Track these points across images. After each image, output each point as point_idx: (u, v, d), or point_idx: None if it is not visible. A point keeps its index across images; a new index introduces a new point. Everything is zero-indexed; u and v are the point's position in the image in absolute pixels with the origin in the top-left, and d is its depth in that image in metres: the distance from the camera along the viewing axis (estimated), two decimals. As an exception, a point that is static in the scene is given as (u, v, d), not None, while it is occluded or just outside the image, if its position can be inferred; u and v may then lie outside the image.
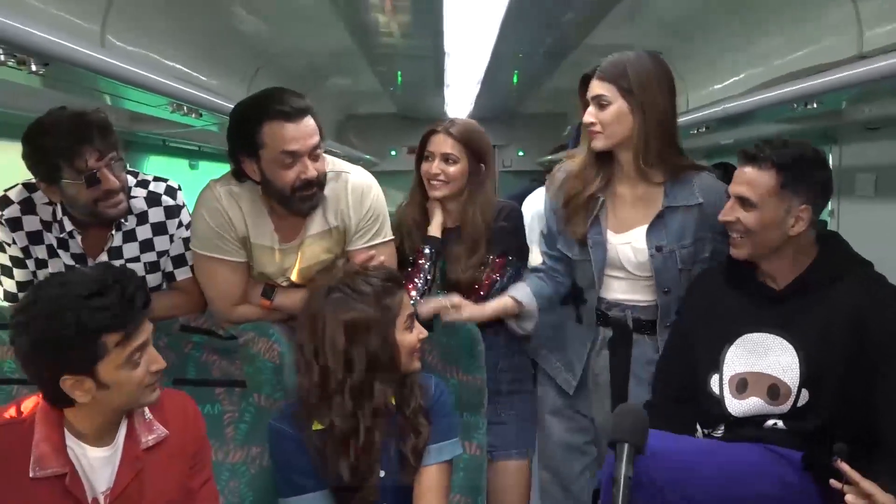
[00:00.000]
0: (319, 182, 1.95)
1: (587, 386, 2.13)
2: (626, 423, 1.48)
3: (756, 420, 1.75)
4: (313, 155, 1.92)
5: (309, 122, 1.90)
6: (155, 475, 1.51)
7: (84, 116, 1.87)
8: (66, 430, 1.44)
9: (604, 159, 2.02)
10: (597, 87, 1.95)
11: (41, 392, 1.44)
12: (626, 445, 1.43)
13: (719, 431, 1.79)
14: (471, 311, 2.02)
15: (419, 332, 1.79)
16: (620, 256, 2.03)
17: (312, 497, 1.75)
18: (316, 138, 1.92)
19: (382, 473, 1.76)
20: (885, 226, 2.73)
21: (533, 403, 2.27)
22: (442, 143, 2.15)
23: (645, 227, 2.01)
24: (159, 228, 2.06)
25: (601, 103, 1.94)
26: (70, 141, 1.82)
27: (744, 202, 1.75)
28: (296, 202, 1.95)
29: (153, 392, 1.49)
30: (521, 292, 2.10)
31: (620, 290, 2.06)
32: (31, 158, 1.87)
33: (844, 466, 1.50)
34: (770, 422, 1.74)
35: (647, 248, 1.99)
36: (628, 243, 2.02)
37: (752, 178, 1.74)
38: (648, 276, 2.02)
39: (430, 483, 1.76)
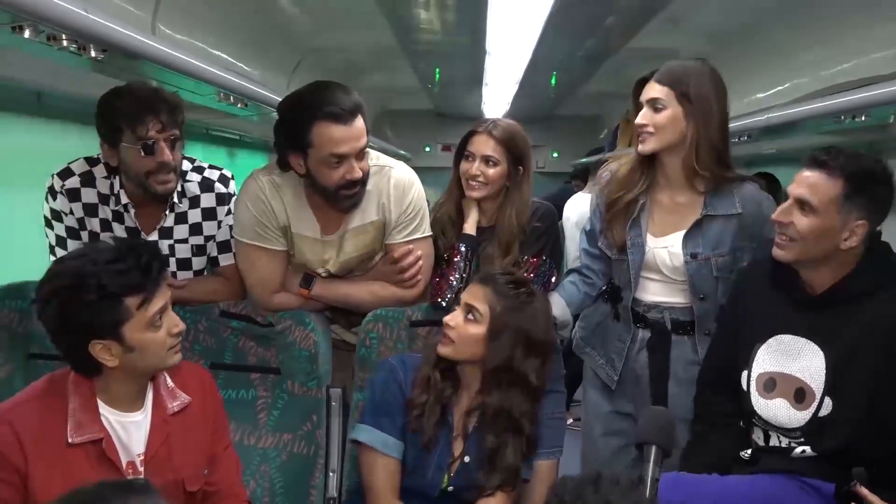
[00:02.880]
0: (363, 180, 1.97)
1: (629, 385, 2.15)
2: (652, 425, 1.48)
3: (782, 450, 1.74)
4: (360, 155, 1.94)
5: (359, 123, 1.91)
6: (182, 439, 1.58)
7: (158, 91, 1.96)
8: (98, 399, 1.51)
9: (647, 165, 2.04)
10: (653, 91, 1.96)
11: (70, 363, 1.50)
12: (653, 447, 1.44)
13: (755, 432, 1.78)
14: None
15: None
16: (657, 259, 2.04)
17: (384, 437, 1.82)
18: (364, 139, 1.93)
19: (467, 459, 1.83)
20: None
21: (562, 403, 2.29)
22: (483, 145, 2.15)
23: (682, 233, 2.02)
24: (209, 214, 2.11)
25: (656, 107, 1.95)
26: (138, 107, 1.90)
27: (803, 205, 1.70)
28: (340, 199, 1.98)
29: (175, 354, 1.55)
30: (555, 306, 2.14)
31: (657, 292, 2.07)
32: (99, 118, 1.95)
33: (863, 491, 1.49)
34: (798, 450, 1.73)
35: (683, 255, 2.00)
36: (665, 248, 2.04)
37: (816, 183, 1.69)
38: (684, 280, 2.03)
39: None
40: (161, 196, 2.02)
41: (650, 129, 1.96)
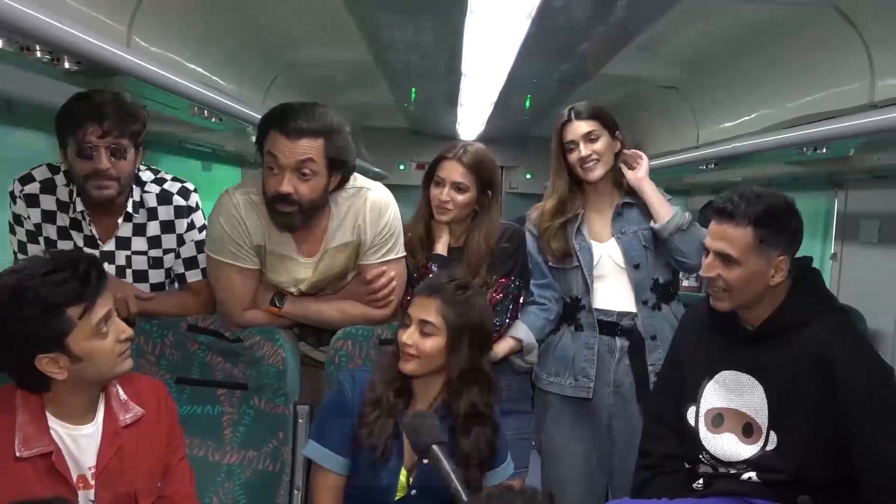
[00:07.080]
0: (300, 204, 1.94)
1: (600, 405, 2.26)
2: (423, 432, 1.54)
3: (732, 475, 1.77)
4: (298, 172, 1.92)
5: (306, 143, 1.91)
6: (135, 451, 1.56)
7: (115, 100, 1.94)
8: (47, 412, 1.49)
9: (578, 190, 2.30)
10: (585, 126, 2.25)
11: (16, 380, 1.48)
12: (435, 446, 1.49)
13: (702, 468, 1.81)
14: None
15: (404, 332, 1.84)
16: (612, 256, 2.27)
17: (326, 452, 1.84)
18: (303, 157, 1.91)
19: (426, 460, 1.80)
20: (889, 271, 2.76)
21: (529, 423, 2.32)
22: (453, 171, 2.18)
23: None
24: (167, 226, 2.10)
25: (591, 138, 2.24)
26: (83, 112, 1.91)
27: (725, 259, 1.75)
28: (273, 213, 1.98)
29: (126, 360, 1.54)
30: (521, 330, 2.23)
31: (621, 297, 2.26)
32: (55, 120, 1.96)
33: None
34: (745, 475, 1.75)
35: (613, 234, 2.27)
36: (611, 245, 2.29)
37: (730, 236, 1.74)
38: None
39: None
40: (105, 202, 1.99)
41: (595, 156, 2.24)
